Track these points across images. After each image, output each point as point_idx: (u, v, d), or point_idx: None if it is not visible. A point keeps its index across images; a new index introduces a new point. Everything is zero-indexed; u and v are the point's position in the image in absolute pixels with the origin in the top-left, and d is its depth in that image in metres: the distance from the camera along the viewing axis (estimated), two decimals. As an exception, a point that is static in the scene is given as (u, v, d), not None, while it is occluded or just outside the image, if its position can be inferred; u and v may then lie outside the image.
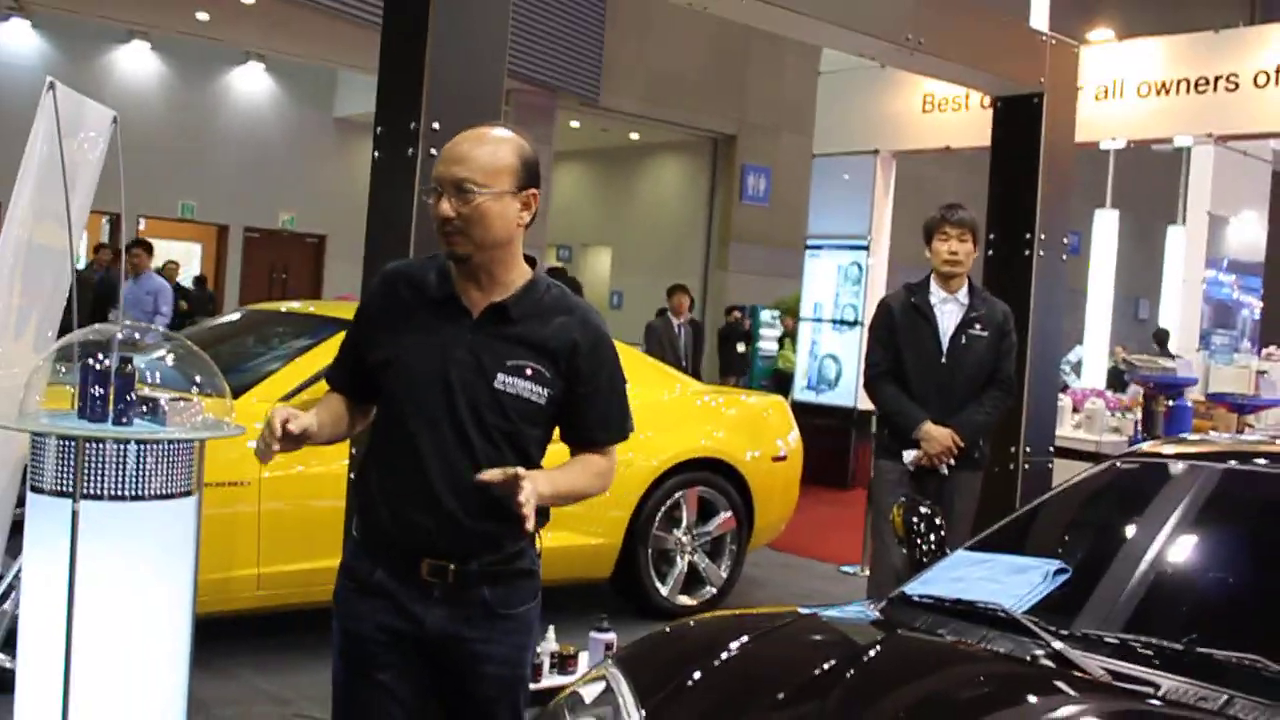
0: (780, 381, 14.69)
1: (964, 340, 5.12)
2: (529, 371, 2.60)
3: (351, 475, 3.99)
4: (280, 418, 2.52)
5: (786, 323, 16.26)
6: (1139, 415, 10.04)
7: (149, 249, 11.93)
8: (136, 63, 17.56)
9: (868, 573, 7.98)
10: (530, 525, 2.47)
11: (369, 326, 2.72)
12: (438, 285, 2.64)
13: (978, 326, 5.15)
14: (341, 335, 2.87)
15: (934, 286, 5.18)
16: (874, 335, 5.23)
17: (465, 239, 2.56)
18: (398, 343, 2.62)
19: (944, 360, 5.10)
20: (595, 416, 2.72)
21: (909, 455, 5.06)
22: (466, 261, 2.59)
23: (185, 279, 16.52)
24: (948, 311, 5.15)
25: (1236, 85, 9.25)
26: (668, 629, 3.18)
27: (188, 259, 18.15)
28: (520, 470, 2.46)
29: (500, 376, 2.58)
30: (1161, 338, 13.52)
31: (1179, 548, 3.03)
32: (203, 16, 14.68)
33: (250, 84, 18.68)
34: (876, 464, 5.37)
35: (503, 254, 2.62)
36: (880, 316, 5.24)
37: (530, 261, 2.70)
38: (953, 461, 5.05)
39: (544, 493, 2.51)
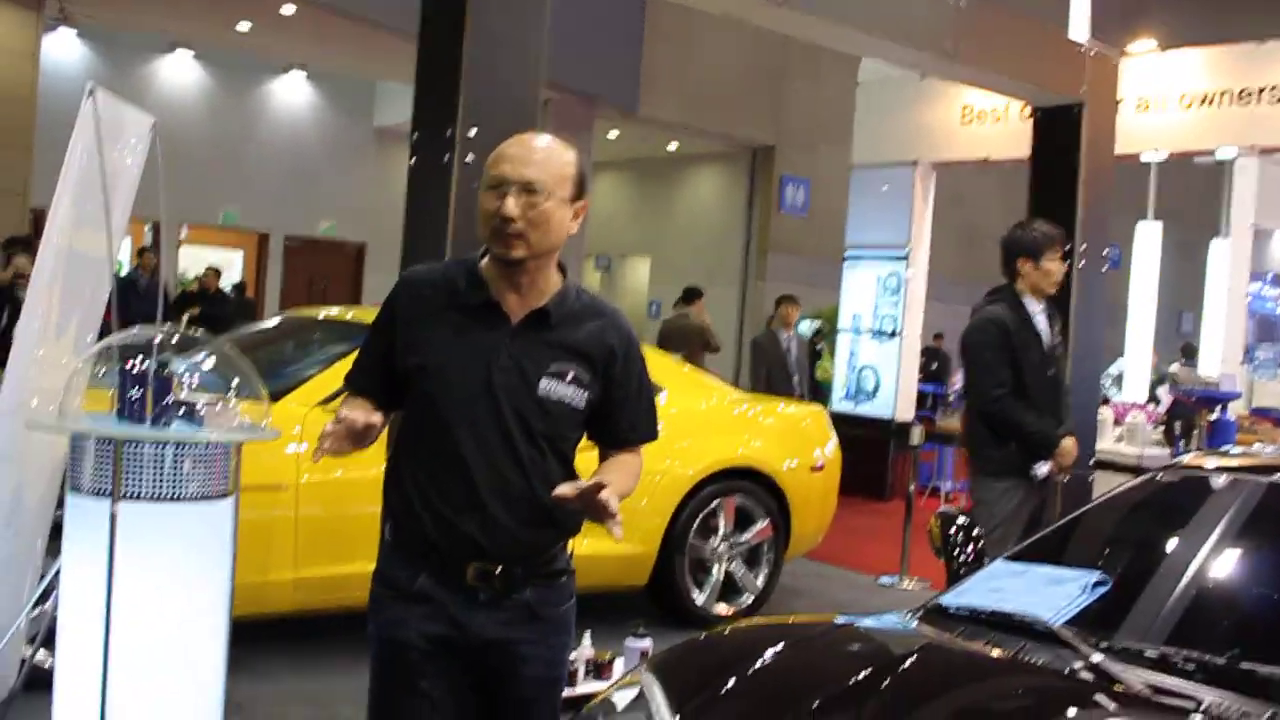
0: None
1: (1057, 351, 5.31)
2: (570, 376, 2.60)
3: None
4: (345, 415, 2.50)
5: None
6: (1177, 428, 9.96)
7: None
8: (179, 72, 17.71)
9: (906, 584, 7.98)
10: (618, 533, 2.45)
11: (399, 331, 2.65)
12: (472, 290, 2.61)
13: (1058, 336, 5.35)
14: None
15: (1028, 300, 5.24)
16: (992, 354, 5.14)
17: (523, 242, 2.54)
18: (435, 348, 2.59)
19: (1050, 372, 5.24)
20: (628, 419, 2.73)
21: (1044, 468, 5.14)
22: (518, 265, 2.57)
23: (224, 286, 16.60)
24: (1041, 325, 5.27)
25: (1281, 97, 9.16)
26: (703, 636, 3.17)
27: (229, 267, 18.27)
28: (603, 480, 2.45)
29: (543, 382, 2.58)
30: (1189, 351, 13.41)
31: (1221, 561, 2.99)
32: (244, 27, 14.80)
33: (291, 93, 18.81)
34: (989, 481, 5.23)
35: (548, 261, 2.62)
36: (995, 335, 5.16)
37: (560, 268, 2.69)
38: None
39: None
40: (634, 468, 2.74)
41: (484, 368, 2.56)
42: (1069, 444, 5.17)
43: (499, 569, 2.58)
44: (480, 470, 2.55)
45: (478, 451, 2.55)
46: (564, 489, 2.47)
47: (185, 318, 14.84)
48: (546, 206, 2.54)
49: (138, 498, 3.26)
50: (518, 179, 2.53)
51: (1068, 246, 5.36)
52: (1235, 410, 10.99)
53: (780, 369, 10.85)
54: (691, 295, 13.34)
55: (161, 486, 3.27)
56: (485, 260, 2.65)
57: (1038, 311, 5.25)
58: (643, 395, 2.76)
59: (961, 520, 3.45)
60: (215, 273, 15.95)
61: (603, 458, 2.75)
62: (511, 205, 2.52)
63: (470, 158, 3.94)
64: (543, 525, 2.60)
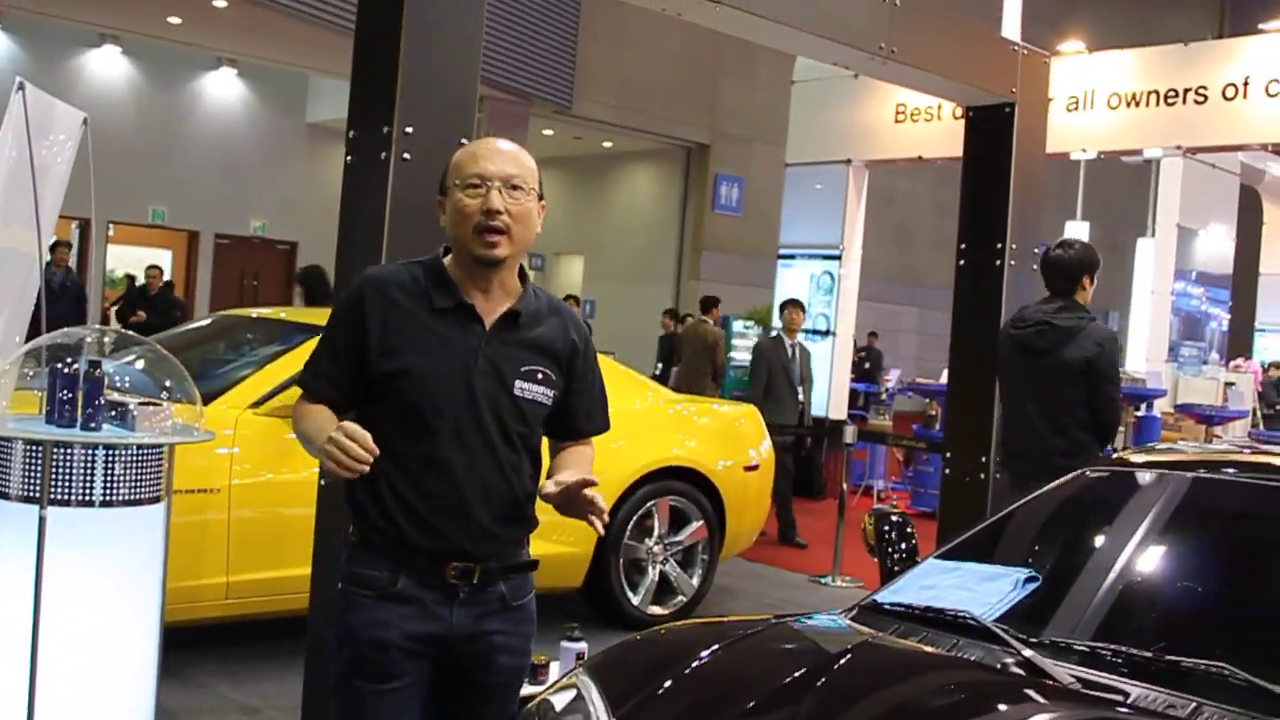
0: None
1: None
2: (540, 376, 2.65)
3: (323, 481, 3.97)
4: (358, 433, 2.39)
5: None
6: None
7: None
8: (107, 67, 17.42)
9: (838, 583, 8.04)
10: (601, 528, 2.57)
11: (371, 334, 2.59)
12: (443, 293, 2.61)
13: None
14: (313, 342, 2.78)
15: None
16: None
17: (507, 239, 2.57)
18: (415, 353, 2.57)
19: None
20: (584, 410, 2.80)
21: None
22: (498, 265, 2.59)
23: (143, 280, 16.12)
24: None
25: (1205, 98, 9.33)
26: (639, 637, 3.18)
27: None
28: (594, 479, 2.53)
29: (518, 383, 2.62)
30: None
31: (1148, 556, 3.04)
32: (174, 20, 14.58)
33: (222, 89, 18.57)
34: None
35: (518, 261, 2.67)
36: None
37: (520, 270, 2.71)
38: None
39: None
40: (590, 458, 2.81)
41: (464, 371, 2.57)
42: None
43: (479, 566, 2.61)
44: (462, 473, 2.57)
45: (460, 454, 2.56)
46: (549, 487, 2.53)
47: (113, 316, 14.57)
48: (528, 203, 2.60)
49: (67, 503, 3.21)
50: (501, 175, 2.57)
51: None
52: (1160, 407, 11.18)
53: (783, 378, 10.03)
54: (708, 305, 13.53)
55: (92, 491, 3.23)
56: (448, 261, 2.65)
57: None
58: (596, 386, 2.83)
59: (895, 518, 3.48)
60: (158, 271, 15.51)
61: (554, 451, 2.80)
62: (497, 199, 2.55)
63: (407, 155, 3.91)
64: (517, 521, 2.67)
